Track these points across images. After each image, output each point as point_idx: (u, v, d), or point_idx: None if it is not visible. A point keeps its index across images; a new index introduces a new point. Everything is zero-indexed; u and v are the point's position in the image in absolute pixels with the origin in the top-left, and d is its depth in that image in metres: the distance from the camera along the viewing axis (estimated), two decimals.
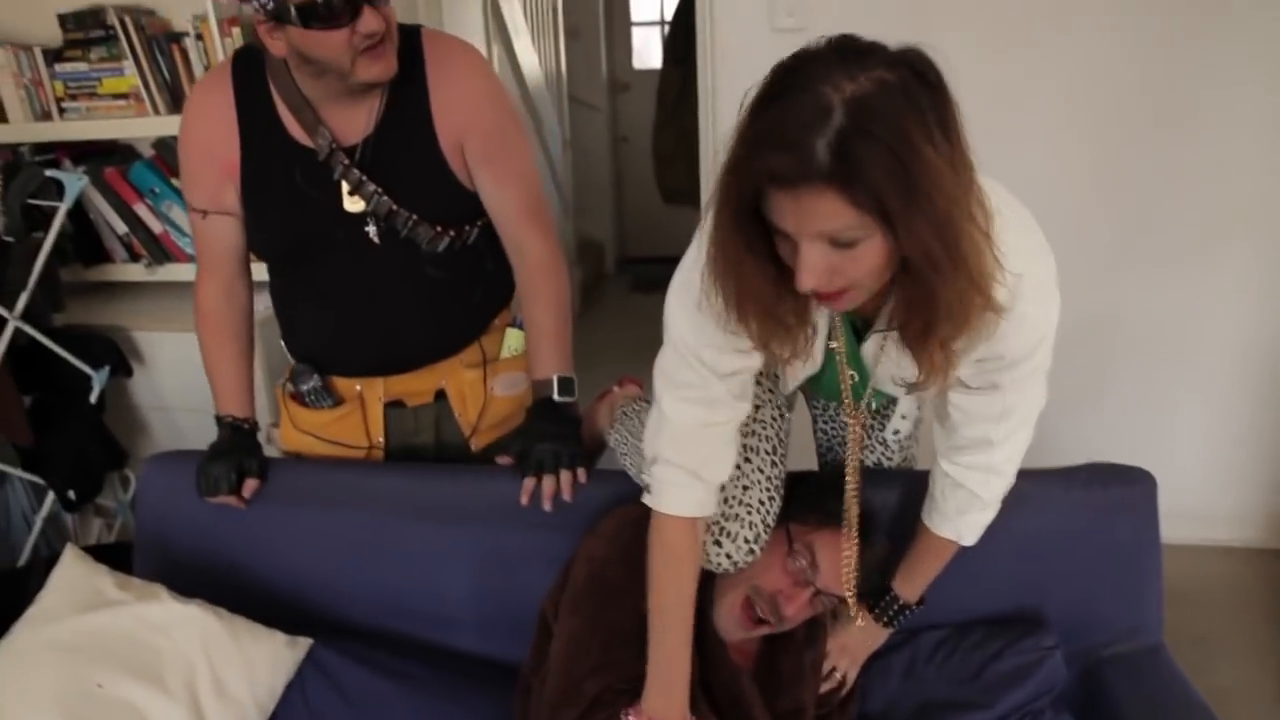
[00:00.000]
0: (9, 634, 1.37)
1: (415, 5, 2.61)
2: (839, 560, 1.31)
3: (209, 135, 1.46)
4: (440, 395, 1.63)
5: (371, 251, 1.47)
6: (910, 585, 1.37)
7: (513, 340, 1.66)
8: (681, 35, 3.04)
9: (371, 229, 1.46)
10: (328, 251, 1.48)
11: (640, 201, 5.70)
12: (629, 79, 5.71)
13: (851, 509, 1.31)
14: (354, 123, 1.43)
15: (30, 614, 1.39)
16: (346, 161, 1.42)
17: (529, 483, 1.48)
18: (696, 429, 1.19)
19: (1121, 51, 2.26)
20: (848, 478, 1.31)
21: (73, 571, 1.44)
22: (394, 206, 1.43)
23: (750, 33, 2.34)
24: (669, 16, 5.60)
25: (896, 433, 1.46)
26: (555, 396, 1.52)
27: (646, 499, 1.25)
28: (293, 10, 1.25)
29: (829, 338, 1.20)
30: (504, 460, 1.55)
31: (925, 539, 1.33)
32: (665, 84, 3.16)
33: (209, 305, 1.58)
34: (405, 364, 1.59)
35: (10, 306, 2.08)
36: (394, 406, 1.62)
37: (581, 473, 1.49)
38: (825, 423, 1.58)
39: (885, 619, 1.39)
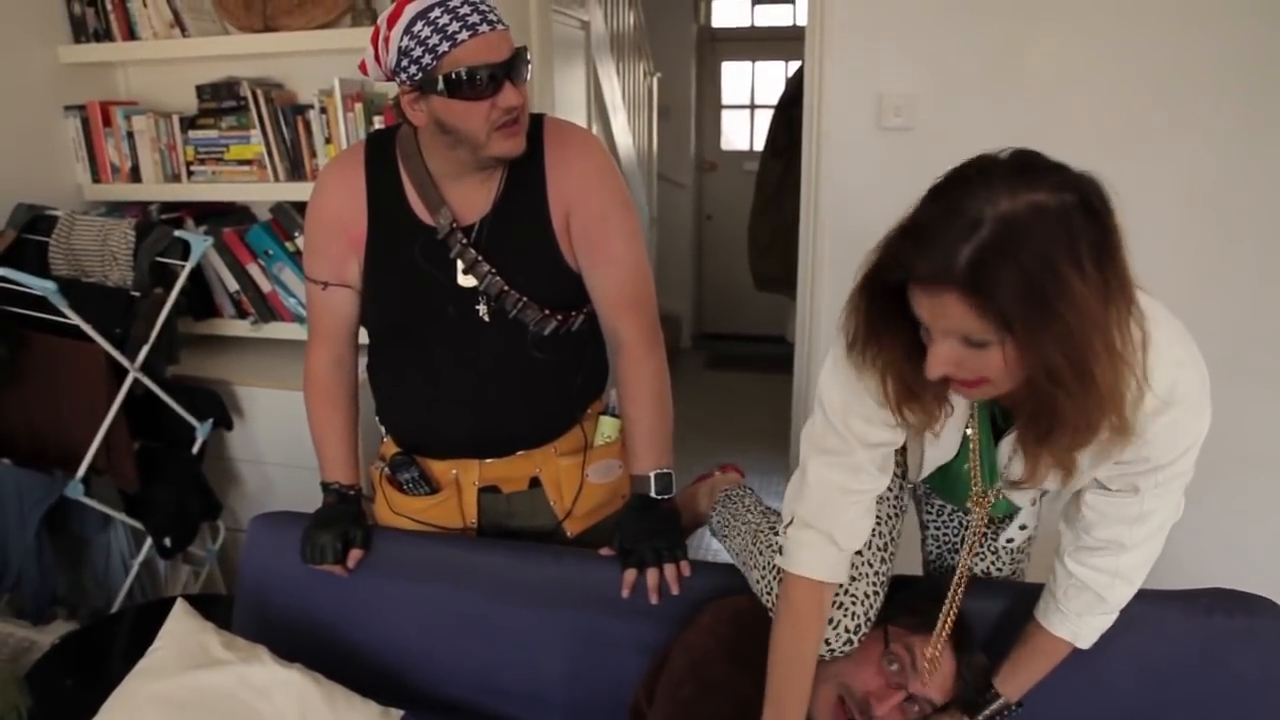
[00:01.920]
0: (121, 685, 1.40)
1: (531, 84, 2.71)
2: (942, 666, 1.29)
3: (340, 209, 1.52)
4: (534, 482, 1.63)
5: (480, 330, 1.50)
6: (1013, 684, 1.33)
7: (606, 427, 1.67)
8: (784, 126, 3.10)
9: (482, 307, 1.49)
10: (438, 327, 1.51)
11: (720, 279, 5.77)
12: (716, 159, 5.83)
13: (950, 609, 1.29)
14: (475, 203, 1.48)
15: (141, 667, 1.42)
16: (464, 240, 1.46)
17: (629, 575, 1.48)
18: (838, 494, 1.22)
19: (1236, 154, 2.23)
20: (956, 575, 1.31)
21: (182, 626, 1.47)
22: (505, 287, 1.47)
23: (856, 129, 2.37)
24: (759, 101, 5.74)
25: (1010, 540, 1.44)
26: (653, 494, 1.52)
27: (778, 560, 1.28)
28: (440, 81, 1.31)
29: (966, 425, 1.20)
30: (606, 553, 1.55)
31: (1037, 638, 1.30)
32: (765, 173, 3.22)
33: (320, 373, 1.62)
34: (501, 446, 1.59)
35: (132, 358, 2.17)
36: (488, 491, 1.63)
37: (685, 565, 1.49)
38: (938, 528, 1.56)
39: (983, 718, 1.35)
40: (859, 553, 1.33)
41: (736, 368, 5.47)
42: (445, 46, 1.29)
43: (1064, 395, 0.92)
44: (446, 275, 1.48)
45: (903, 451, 1.33)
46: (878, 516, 1.34)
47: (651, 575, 1.47)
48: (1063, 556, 1.25)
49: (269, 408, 2.49)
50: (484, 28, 1.30)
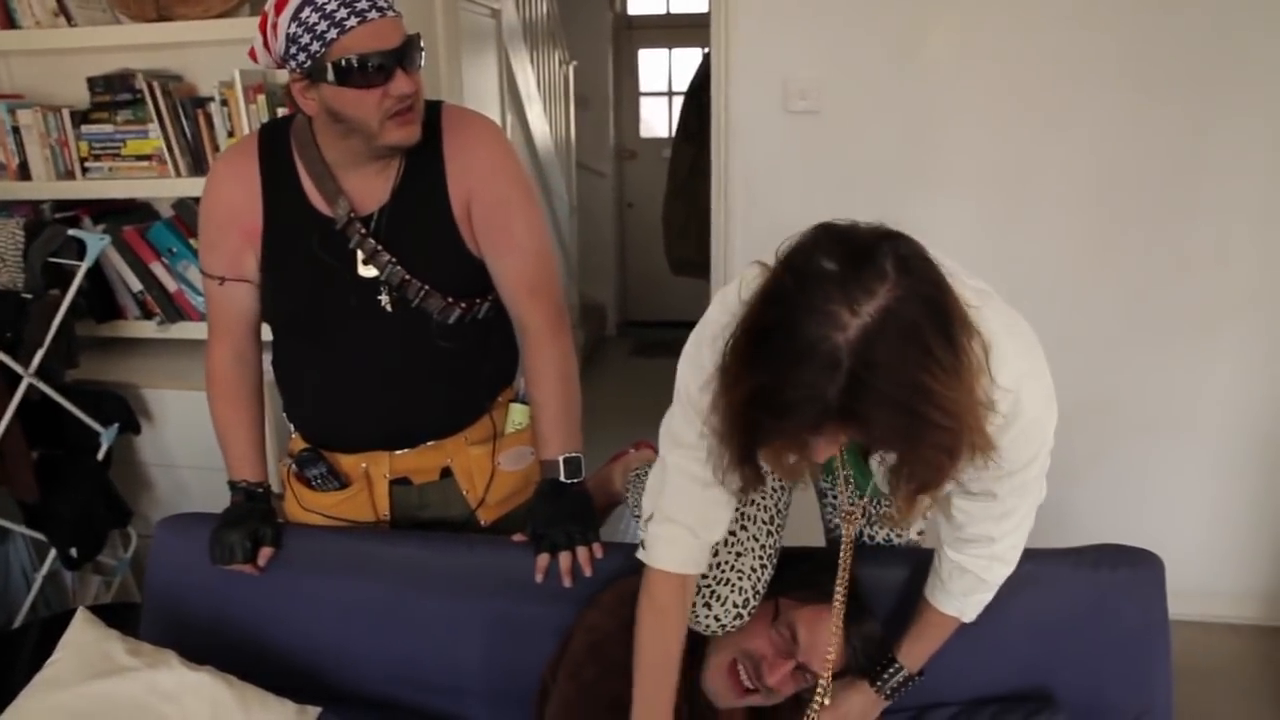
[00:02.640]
0: (18, 699, 1.35)
1: (437, 73, 2.68)
2: (821, 637, 1.32)
3: (233, 203, 1.49)
4: (446, 472, 1.62)
5: (383, 320, 1.48)
6: (912, 656, 1.38)
7: (516, 415, 1.66)
8: (695, 111, 3.12)
9: (384, 298, 1.47)
10: (340, 319, 1.49)
11: (643, 267, 5.79)
12: (635, 147, 5.84)
13: (839, 589, 1.33)
14: (372, 192, 1.46)
15: (40, 678, 1.37)
16: (362, 230, 1.44)
17: (543, 560, 1.48)
18: (697, 487, 1.22)
19: (1124, 138, 2.34)
20: (841, 558, 1.34)
21: (83, 635, 1.43)
22: (406, 276, 1.45)
23: (764, 113, 2.41)
24: (676, 88, 5.76)
25: (921, 533, 1.49)
26: (562, 478, 1.53)
27: (640, 554, 1.28)
28: (329, 70, 1.29)
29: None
30: (519, 539, 1.55)
31: (929, 614, 1.35)
32: (677, 158, 3.23)
33: (221, 371, 1.58)
34: (411, 438, 1.58)
35: (25, 363, 2.09)
36: (399, 484, 1.62)
37: (598, 548, 1.50)
38: (834, 498, 1.60)
39: (887, 690, 1.39)
40: (744, 528, 1.36)
41: (661, 354, 5.48)
42: (334, 34, 1.27)
43: (945, 459, 0.96)
44: (346, 266, 1.46)
45: None
46: (763, 490, 1.36)
47: (564, 559, 1.48)
48: (943, 545, 1.30)
49: (179, 410, 2.43)
50: (373, 14, 1.28)
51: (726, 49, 2.39)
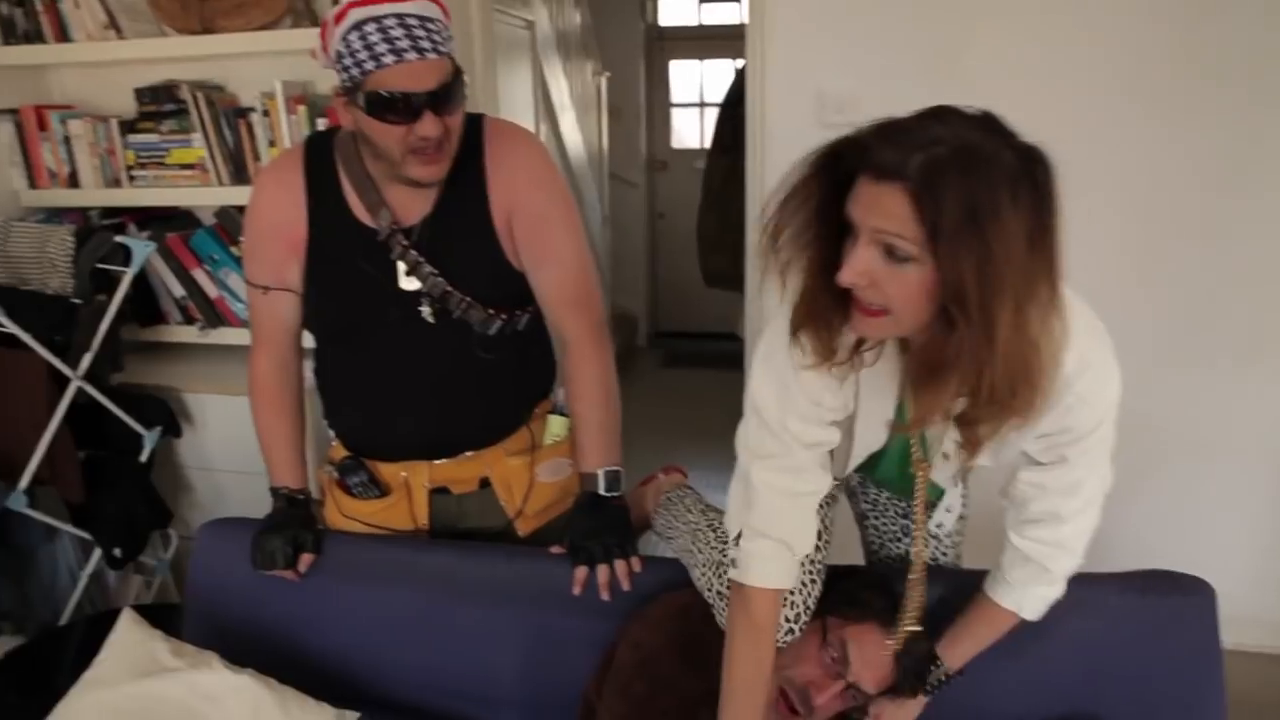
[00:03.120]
0: (67, 697, 1.38)
1: (473, 83, 2.71)
2: (872, 656, 1.31)
3: (277, 213, 1.51)
4: (484, 483, 1.63)
5: (424, 331, 1.50)
6: (956, 652, 1.36)
7: (555, 427, 1.67)
8: (729, 124, 3.12)
9: (426, 309, 1.49)
10: (382, 329, 1.51)
11: (674, 277, 5.80)
12: (667, 158, 5.85)
13: (915, 599, 1.31)
14: (414, 203, 1.47)
15: (87, 677, 1.40)
16: (405, 242, 1.45)
17: (580, 572, 1.49)
18: (786, 499, 1.23)
19: (1171, 154, 2.30)
20: (913, 565, 1.31)
21: (129, 636, 1.46)
22: (448, 288, 1.47)
23: (799, 126, 2.41)
24: (708, 99, 5.77)
25: (940, 525, 1.47)
26: (602, 491, 1.53)
27: (733, 574, 1.27)
28: (361, 96, 1.31)
29: (896, 405, 1.22)
30: (556, 551, 1.56)
31: (983, 607, 1.33)
32: (712, 171, 3.24)
33: (264, 379, 1.61)
34: (450, 448, 1.59)
35: (74, 366, 2.13)
36: (438, 493, 1.63)
37: (636, 561, 1.51)
38: (876, 518, 1.59)
39: (926, 686, 1.37)
40: None
41: (692, 365, 5.50)
42: (370, 65, 1.28)
43: (964, 324, 0.93)
44: (388, 278, 1.48)
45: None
46: None
47: (602, 572, 1.48)
48: (1008, 531, 1.28)
49: (218, 414, 2.47)
50: (411, 55, 1.28)
51: (763, 61, 2.40)
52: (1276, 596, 2.56)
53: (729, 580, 1.29)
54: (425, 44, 1.29)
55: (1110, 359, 1.11)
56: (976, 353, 0.95)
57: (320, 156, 1.51)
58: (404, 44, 1.28)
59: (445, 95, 1.33)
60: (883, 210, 0.93)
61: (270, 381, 1.60)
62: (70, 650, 2.00)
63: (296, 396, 1.63)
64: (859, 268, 0.96)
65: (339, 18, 1.30)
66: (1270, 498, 2.50)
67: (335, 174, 1.49)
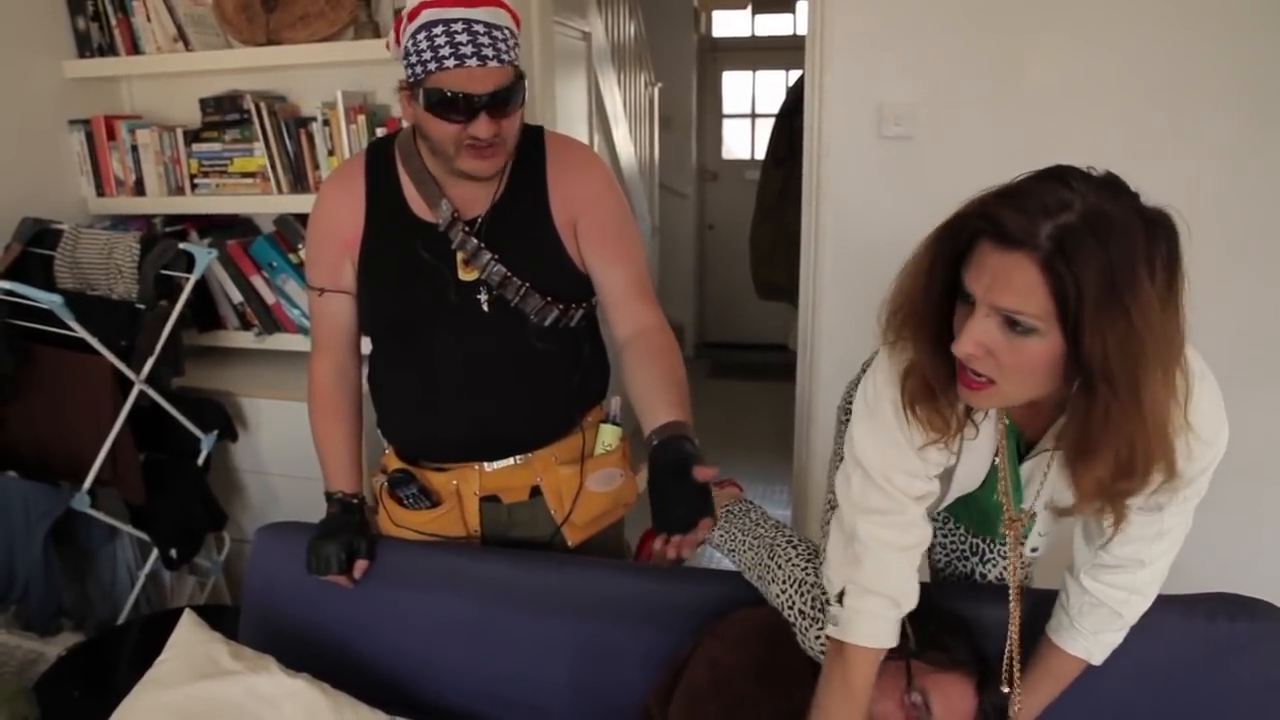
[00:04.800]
0: (129, 697, 1.41)
1: (532, 93, 2.72)
2: (954, 708, 1.29)
3: (336, 216, 1.54)
4: (535, 492, 1.63)
5: (479, 321, 1.51)
6: (1027, 708, 1.33)
7: (606, 436, 1.66)
8: (785, 136, 3.11)
9: (484, 297, 1.50)
10: (437, 320, 1.52)
11: (722, 288, 5.78)
12: (717, 169, 5.85)
13: (1015, 649, 1.28)
14: (475, 200, 1.50)
15: (149, 677, 1.42)
16: (466, 229, 1.48)
17: (660, 541, 1.34)
18: (896, 554, 1.20)
19: (1236, 169, 2.24)
20: (1010, 605, 1.28)
21: (190, 637, 1.48)
22: (507, 274, 1.48)
23: (857, 138, 2.38)
24: (760, 110, 5.76)
25: (1035, 550, 1.45)
26: (691, 440, 1.36)
27: (833, 631, 1.23)
28: (422, 91, 1.35)
29: (995, 454, 1.20)
30: (645, 547, 1.53)
31: (1051, 658, 1.30)
32: (766, 182, 3.23)
33: (323, 384, 1.62)
34: (500, 447, 1.60)
35: (137, 370, 2.18)
36: (489, 501, 1.64)
37: (706, 525, 1.33)
38: (945, 536, 1.57)
39: None
40: None
41: (739, 376, 5.48)
42: (432, 66, 1.32)
43: (1111, 399, 0.91)
44: (447, 266, 1.50)
45: None
46: None
47: (676, 540, 1.31)
48: (1078, 574, 1.25)
49: (273, 418, 2.51)
50: (472, 61, 1.31)
51: (820, 73, 2.38)
52: None
53: (827, 636, 1.26)
54: (489, 51, 1.32)
55: (1221, 411, 1.09)
56: (1126, 425, 0.93)
57: (381, 159, 1.55)
58: (467, 50, 1.31)
59: (504, 98, 1.36)
60: (1008, 281, 0.91)
61: (328, 386, 1.62)
62: (128, 648, 2.04)
63: (354, 402, 1.65)
64: (978, 338, 0.94)
65: (413, 15, 1.34)
66: None
67: (395, 173, 1.53)
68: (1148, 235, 0.89)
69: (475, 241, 1.48)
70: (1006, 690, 1.29)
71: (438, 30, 1.31)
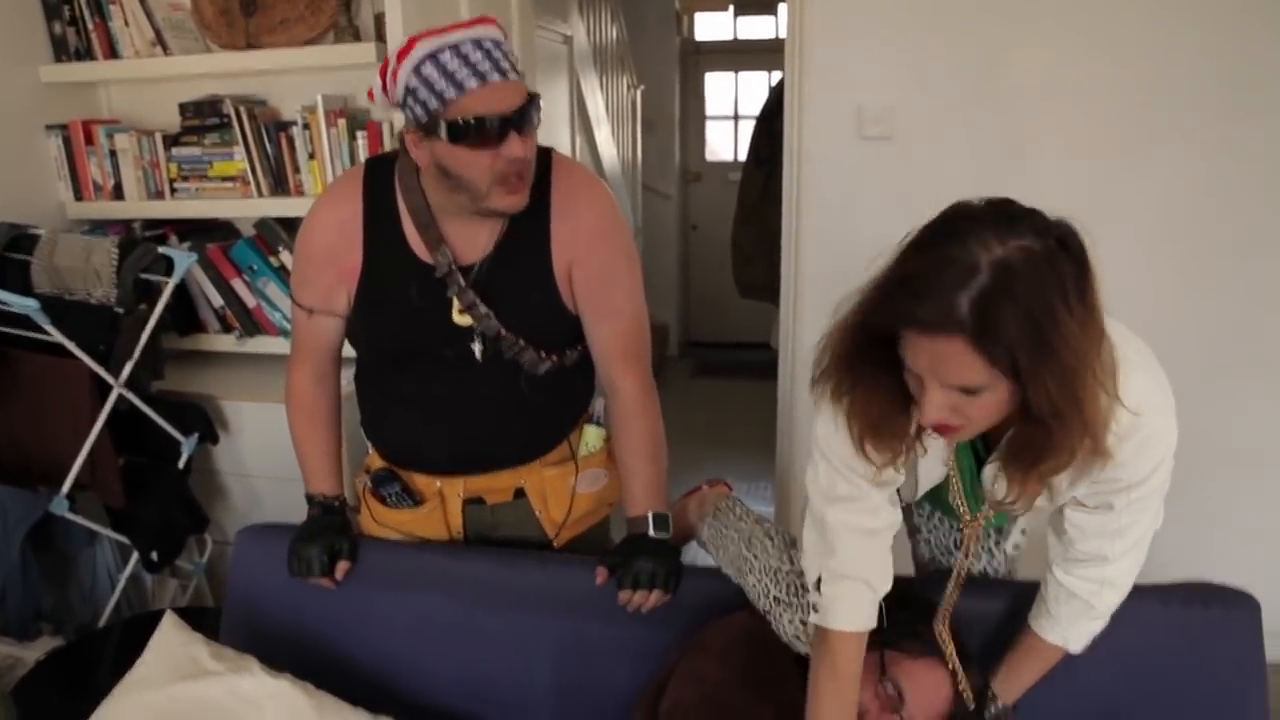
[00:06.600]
0: (110, 697, 1.40)
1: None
2: (928, 696, 1.31)
3: (333, 241, 1.48)
4: (519, 493, 1.63)
5: (474, 368, 1.49)
6: (1009, 687, 1.36)
7: (591, 438, 1.66)
8: (766, 137, 3.13)
9: (477, 346, 1.48)
10: (430, 361, 1.50)
11: (706, 288, 5.80)
12: (700, 169, 5.87)
13: (945, 634, 1.31)
14: (474, 242, 1.44)
15: (130, 678, 1.42)
16: (462, 282, 1.43)
17: (625, 594, 1.49)
18: (864, 538, 1.24)
19: (1210, 170, 2.28)
20: (948, 589, 1.32)
21: (171, 638, 1.47)
22: (502, 330, 1.45)
23: (837, 139, 2.40)
24: (742, 112, 5.78)
25: (1017, 547, 1.47)
26: (651, 534, 1.51)
27: (815, 619, 1.27)
28: (443, 126, 1.27)
29: (946, 459, 1.23)
30: (601, 573, 1.52)
31: (1030, 643, 1.33)
32: (747, 183, 3.24)
33: (301, 391, 1.61)
34: (488, 465, 1.60)
35: (116, 374, 2.17)
36: (473, 503, 1.63)
37: (669, 595, 1.50)
38: (930, 532, 1.58)
39: (978, 717, 1.36)
40: None
41: (723, 375, 5.50)
42: (452, 93, 1.25)
43: (1058, 426, 0.96)
44: (442, 313, 1.46)
45: None
46: None
47: (640, 596, 1.48)
48: (1052, 566, 1.28)
49: (254, 421, 2.49)
50: (494, 76, 1.26)
51: (800, 74, 2.40)
52: None
53: (812, 625, 1.29)
54: (505, 64, 1.28)
55: (1169, 411, 1.11)
56: (1070, 439, 0.98)
57: (380, 183, 1.47)
58: (485, 66, 1.25)
59: (525, 115, 1.30)
60: (946, 364, 0.94)
61: (307, 394, 1.61)
62: (109, 651, 2.02)
63: (333, 408, 1.64)
64: (937, 410, 0.99)
65: (402, 54, 1.27)
66: None
67: (395, 205, 1.46)
68: (1051, 265, 0.91)
69: (471, 294, 1.44)
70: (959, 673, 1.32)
71: (446, 56, 1.25)
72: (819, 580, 1.26)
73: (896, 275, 0.97)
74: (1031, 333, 0.89)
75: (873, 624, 1.26)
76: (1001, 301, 0.89)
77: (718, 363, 5.71)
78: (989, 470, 1.19)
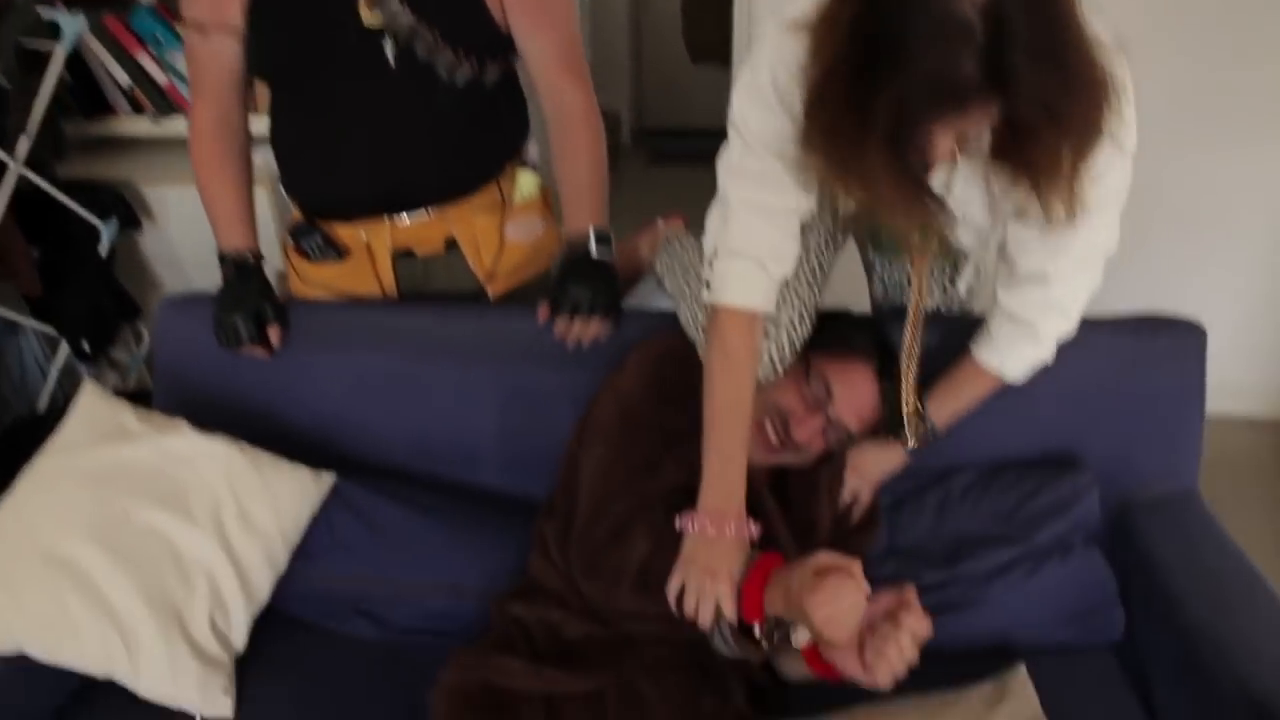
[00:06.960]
0: (33, 462, 1.36)
1: None
2: (855, 395, 1.30)
3: None
4: (451, 244, 1.56)
5: (385, 76, 1.38)
6: (941, 412, 1.34)
7: (525, 184, 1.58)
8: None
9: (389, 48, 1.36)
10: (337, 73, 1.40)
11: (660, 70, 5.49)
12: None
13: (911, 346, 1.30)
14: None
15: (53, 443, 1.37)
16: None
17: (562, 322, 1.45)
18: (762, 215, 1.18)
19: None
20: (905, 328, 1.29)
21: (93, 404, 1.42)
22: (416, 22, 1.34)
23: None
24: None
25: (970, 289, 1.44)
26: (593, 252, 1.46)
27: (706, 296, 1.23)
28: None
29: None
30: (543, 310, 1.48)
31: (968, 366, 1.31)
32: None
33: (204, 134, 1.49)
34: (408, 200, 1.51)
35: (10, 151, 2.01)
36: (403, 257, 1.56)
37: (608, 324, 1.47)
38: (883, 269, 1.54)
39: (906, 439, 1.35)
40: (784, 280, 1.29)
41: (682, 163, 5.30)
42: None
43: (1102, 109, 0.89)
44: (347, 12, 1.34)
45: None
46: (806, 246, 1.29)
47: (579, 325, 1.44)
48: (997, 289, 1.24)
49: (180, 207, 2.39)
50: None
51: None
52: (1263, 362, 2.60)
53: (705, 304, 1.25)
54: None
55: (1131, 119, 1.04)
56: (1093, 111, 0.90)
57: None
58: None
59: None
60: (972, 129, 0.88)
61: (211, 134, 1.49)
62: (45, 435, 1.98)
63: (241, 151, 1.53)
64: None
65: None
66: (1258, 267, 2.52)
67: None
68: None
69: None
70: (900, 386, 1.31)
71: None
72: (714, 255, 1.22)
73: (891, 99, 0.84)
74: (1051, 68, 0.83)
75: (764, 306, 1.22)
76: (1010, 47, 0.81)
77: (675, 151, 5.51)
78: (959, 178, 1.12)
